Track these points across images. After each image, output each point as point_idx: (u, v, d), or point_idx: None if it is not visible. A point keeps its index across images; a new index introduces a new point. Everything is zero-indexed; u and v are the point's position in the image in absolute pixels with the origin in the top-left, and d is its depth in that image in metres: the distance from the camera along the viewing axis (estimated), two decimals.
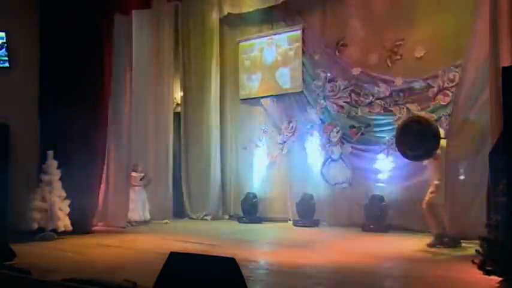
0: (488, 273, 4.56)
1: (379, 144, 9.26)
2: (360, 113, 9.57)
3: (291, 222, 9.97)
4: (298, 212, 9.79)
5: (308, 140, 10.23)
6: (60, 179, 8.32)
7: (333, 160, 9.87)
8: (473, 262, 4.74)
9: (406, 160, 8.94)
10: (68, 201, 8.33)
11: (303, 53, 10.36)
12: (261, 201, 10.58)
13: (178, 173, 11.50)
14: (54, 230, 8.11)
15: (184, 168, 11.56)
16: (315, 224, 9.61)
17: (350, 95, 9.68)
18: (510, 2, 6.66)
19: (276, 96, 10.81)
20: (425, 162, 7.44)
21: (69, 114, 8.96)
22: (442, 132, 7.27)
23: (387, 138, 9.14)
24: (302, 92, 10.35)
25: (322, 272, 5.50)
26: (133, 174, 10.16)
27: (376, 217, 8.79)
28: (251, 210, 10.49)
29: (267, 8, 10.65)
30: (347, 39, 9.78)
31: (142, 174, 10.42)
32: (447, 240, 6.92)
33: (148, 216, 10.32)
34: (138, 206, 10.15)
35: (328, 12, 10.12)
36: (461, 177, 6.93)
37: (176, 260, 4.19)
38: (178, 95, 12.05)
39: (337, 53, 9.92)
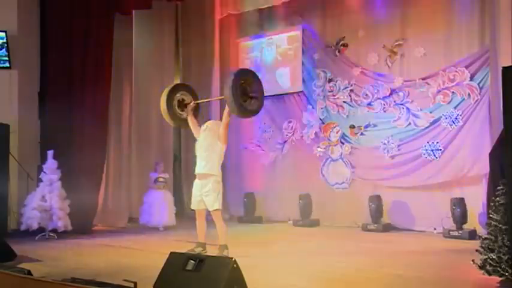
0: (488, 273, 4.57)
1: (379, 144, 9.26)
2: (359, 113, 9.57)
3: (291, 222, 9.97)
4: (298, 211, 9.78)
5: (308, 140, 10.24)
6: (60, 179, 8.32)
7: (333, 160, 9.87)
8: (473, 262, 4.75)
9: (406, 160, 9.00)
10: (68, 201, 8.34)
11: (303, 53, 10.36)
12: (261, 201, 10.57)
13: (178, 173, 11.50)
14: (55, 230, 8.12)
15: (184, 168, 11.55)
16: (315, 223, 9.61)
17: (350, 95, 9.69)
18: (510, 2, 6.68)
19: (276, 96, 10.81)
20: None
21: (69, 114, 8.99)
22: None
23: (387, 138, 9.15)
24: (302, 92, 10.36)
25: (321, 272, 5.49)
26: (151, 174, 9.48)
27: (376, 217, 8.80)
28: (251, 210, 10.49)
29: (267, 8, 10.64)
30: (347, 39, 9.78)
31: (166, 175, 9.63)
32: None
33: (170, 222, 9.27)
34: (152, 209, 9.19)
35: (328, 12, 10.12)
36: None
37: (176, 260, 4.19)
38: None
39: (337, 53, 9.92)
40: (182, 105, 6.74)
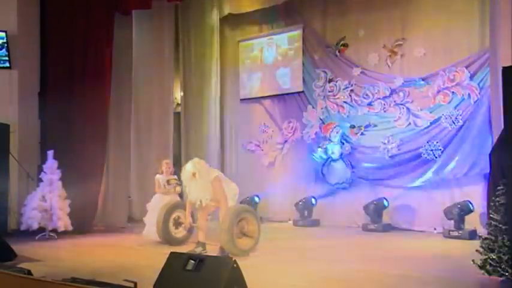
0: (488, 273, 4.57)
1: (378, 144, 9.26)
2: (360, 113, 9.57)
3: (291, 222, 9.97)
4: (298, 211, 9.78)
5: (308, 140, 10.24)
6: (60, 178, 8.32)
7: (333, 160, 9.87)
8: (473, 262, 4.75)
9: (406, 160, 9.00)
10: (68, 201, 8.33)
11: (303, 53, 10.36)
12: (261, 201, 10.56)
13: (178, 173, 11.47)
14: (55, 230, 8.12)
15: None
16: (315, 223, 9.61)
17: (350, 95, 9.69)
18: (510, 2, 6.68)
19: (276, 96, 10.82)
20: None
21: (69, 114, 8.99)
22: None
23: (387, 138, 9.15)
24: (302, 92, 10.37)
25: (321, 272, 5.49)
26: (158, 176, 7.88)
27: (376, 217, 8.79)
28: None
29: (267, 8, 10.64)
30: (347, 39, 9.79)
31: (173, 177, 7.92)
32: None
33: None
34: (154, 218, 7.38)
35: (328, 12, 10.13)
36: None
37: (176, 260, 4.19)
38: (178, 95, 12.05)
39: (337, 53, 9.93)
40: (177, 223, 7.11)
